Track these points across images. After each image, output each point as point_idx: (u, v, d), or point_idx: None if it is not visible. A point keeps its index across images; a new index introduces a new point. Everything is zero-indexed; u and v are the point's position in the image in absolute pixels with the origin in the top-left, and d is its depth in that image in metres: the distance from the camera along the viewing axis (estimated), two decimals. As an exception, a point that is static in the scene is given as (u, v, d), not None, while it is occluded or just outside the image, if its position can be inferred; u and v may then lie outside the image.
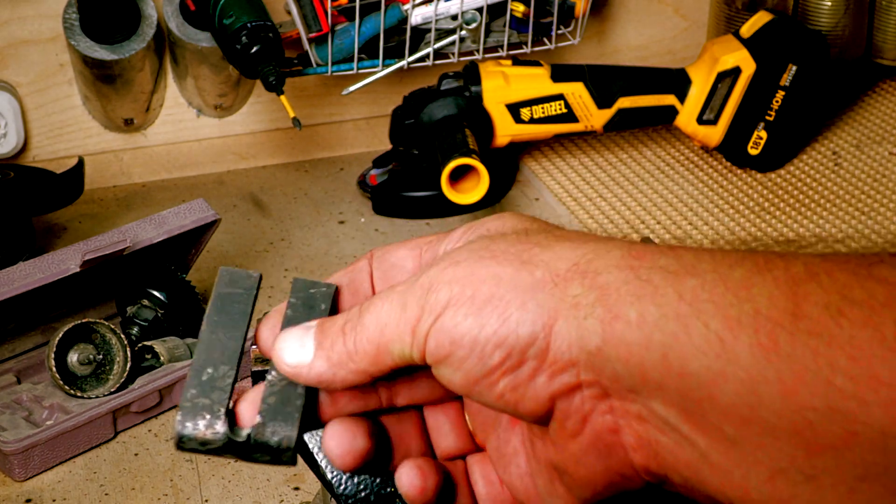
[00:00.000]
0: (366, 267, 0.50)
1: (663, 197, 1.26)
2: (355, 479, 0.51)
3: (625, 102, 1.25)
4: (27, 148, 1.29)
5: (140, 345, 0.99)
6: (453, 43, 1.26)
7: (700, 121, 1.26)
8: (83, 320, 0.95)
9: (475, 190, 1.15)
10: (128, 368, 0.95)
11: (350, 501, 0.51)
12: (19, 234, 1.09)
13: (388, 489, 0.51)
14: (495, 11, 1.26)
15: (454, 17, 1.25)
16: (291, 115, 1.14)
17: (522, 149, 1.35)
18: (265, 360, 0.49)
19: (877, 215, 1.21)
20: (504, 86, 1.23)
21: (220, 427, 0.46)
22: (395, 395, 0.50)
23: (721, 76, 1.24)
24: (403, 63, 1.24)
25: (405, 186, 1.25)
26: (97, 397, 0.94)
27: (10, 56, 1.26)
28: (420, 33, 1.25)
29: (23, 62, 1.26)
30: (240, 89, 1.32)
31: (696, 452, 0.42)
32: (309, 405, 0.48)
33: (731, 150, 1.28)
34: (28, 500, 0.89)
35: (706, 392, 0.40)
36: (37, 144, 1.29)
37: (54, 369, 0.93)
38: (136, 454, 0.93)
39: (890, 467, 0.38)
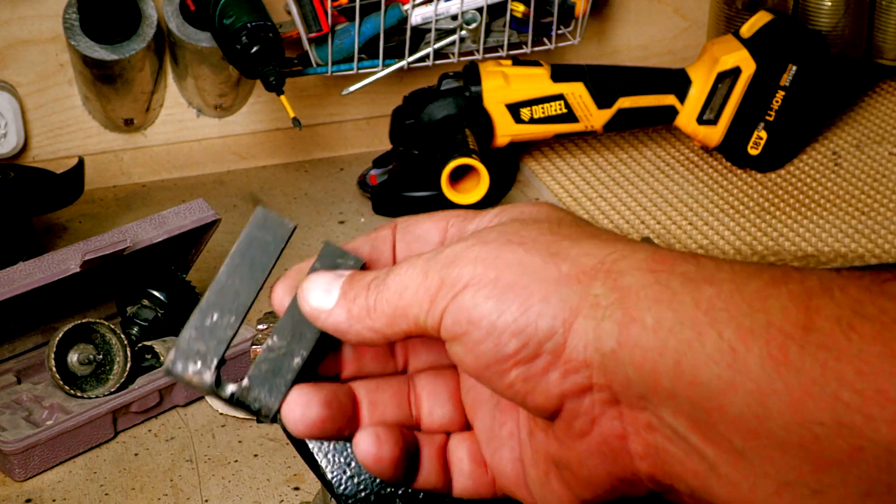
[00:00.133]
0: (389, 236, 0.50)
1: (663, 197, 1.26)
2: (355, 479, 0.51)
3: (625, 102, 1.25)
4: (27, 148, 1.29)
5: (140, 345, 0.99)
6: (453, 43, 1.26)
7: (700, 121, 1.26)
8: (83, 320, 0.95)
9: (475, 190, 1.15)
10: (128, 368, 0.95)
11: (350, 501, 0.51)
12: (19, 234, 1.09)
13: (389, 489, 0.51)
14: (495, 11, 1.26)
15: (454, 17, 1.24)
16: (291, 115, 1.14)
17: (522, 149, 1.35)
18: (272, 318, 0.50)
19: (877, 215, 1.21)
20: (504, 86, 1.23)
21: (208, 378, 0.47)
22: (410, 360, 0.51)
23: (721, 76, 1.24)
24: (403, 63, 1.24)
25: (405, 186, 1.25)
26: (97, 397, 0.94)
27: (10, 56, 1.26)
28: (420, 33, 1.25)
29: (23, 62, 1.26)
30: (240, 89, 1.32)
31: (705, 463, 0.42)
32: (301, 379, 0.48)
33: (731, 150, 1.28)
34: (28, 500, 0.89)
35: (716, 402, 0.40)
36: (37, 144, 1.29)
37: (54, 369, 0.93)
38: (136, 454, 0.93)
39: (894, 485, 0.38)
